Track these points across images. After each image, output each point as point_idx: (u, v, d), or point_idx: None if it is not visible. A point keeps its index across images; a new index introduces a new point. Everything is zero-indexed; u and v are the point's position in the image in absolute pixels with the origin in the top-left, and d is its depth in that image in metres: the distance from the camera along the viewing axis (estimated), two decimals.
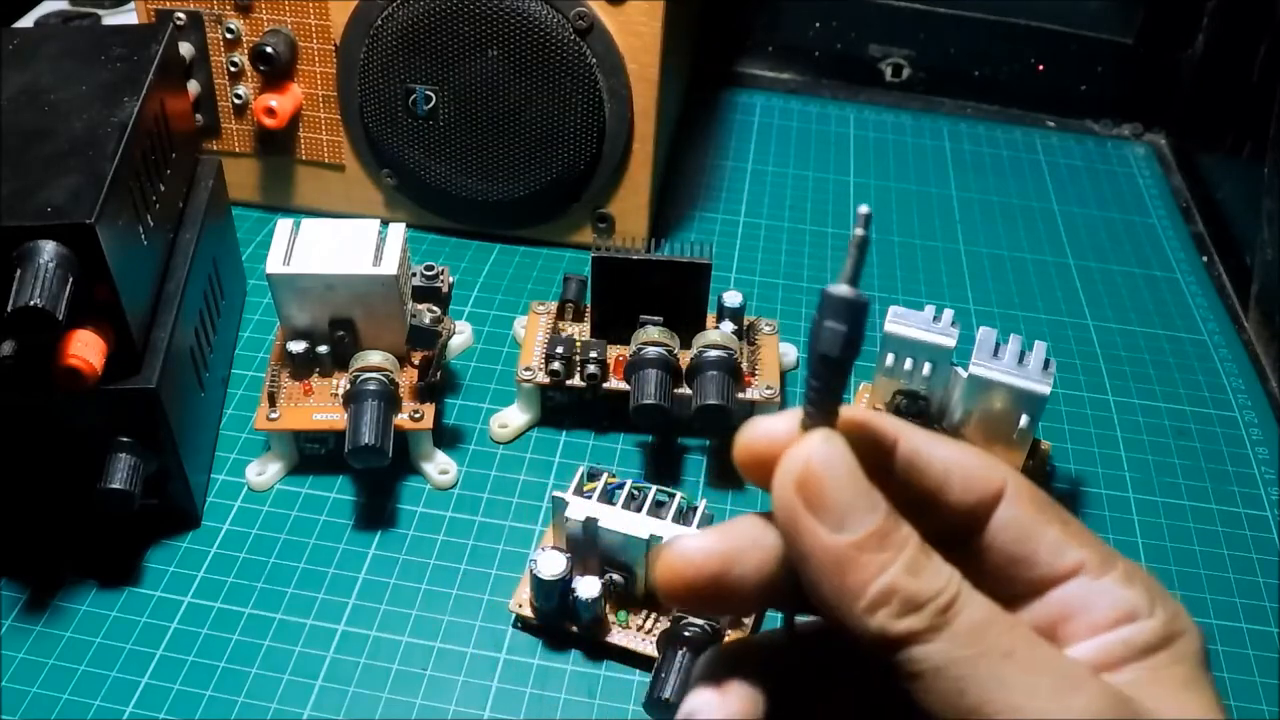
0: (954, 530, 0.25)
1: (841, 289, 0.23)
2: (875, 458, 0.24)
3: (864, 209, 0.23)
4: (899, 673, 0.22)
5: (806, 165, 0.75)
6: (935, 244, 0.68)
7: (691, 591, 0.24)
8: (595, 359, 0.50)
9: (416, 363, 0.49)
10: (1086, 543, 0.25)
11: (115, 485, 0.41)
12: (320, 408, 0.48)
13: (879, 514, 0.22)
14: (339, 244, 0.48)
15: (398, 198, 0.64)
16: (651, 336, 0.49)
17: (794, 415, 0.24)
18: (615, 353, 0.51)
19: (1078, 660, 0.23)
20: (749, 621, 0.43)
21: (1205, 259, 0.70)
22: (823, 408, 0.23)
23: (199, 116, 0.61)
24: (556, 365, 0.50)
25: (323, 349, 0.49)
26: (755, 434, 0.24)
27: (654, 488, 0.43)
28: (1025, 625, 0.23)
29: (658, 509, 0.43)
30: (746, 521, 0.25)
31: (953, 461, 0.25)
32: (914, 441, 0.25)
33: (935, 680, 0.22)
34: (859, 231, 0.23)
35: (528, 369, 0.51)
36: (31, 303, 0.35)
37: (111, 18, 0.75)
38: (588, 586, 0.42)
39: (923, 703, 0.22)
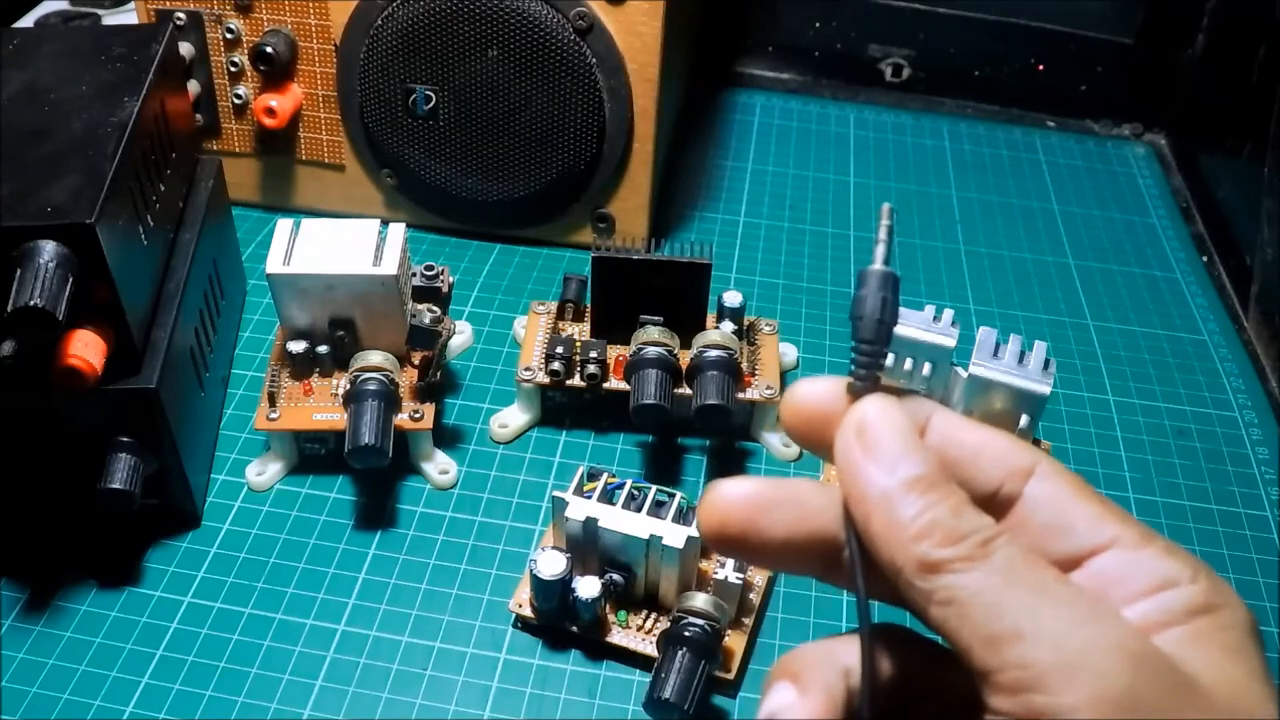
0: (989, 504, 0.26)
1: (879, 266, 0.26)
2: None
3: (886, 206, 0.27)
4: (934, 600, 0.23)
5: (806, 165, 0.75)
6: (935, 244, 0.68)
7: (723, 531, 0.26)
8: (595, 359, 0.50)
9: (416, 363, 0.49)
10: (1125, 521, 0.26)
11: (115, 485, 0.41)
12: (320, 408, 0.48)
13: (928, 465, 0.24)
14: (339, 244, 0.48)
15: (398, 198, 0.64)
16: (651, 336, 0.49)
17: (836, 379, 0.26)
18: (615, 353, 0.51)
19: (1105, 603, 0.24)
20: (749, 621, 0.43)
21: (1205, 259, 0.70)
22: (870, 373, 0.26)
23: (199, 116, 0.61)
24: (556, 365, 0.50)
25: (323, 349, 0.49)
26: (803, 395, 0.27)
27: (654, 488, 0.43)
28: (1058, 571, 0.24)
29: (658, 509, 0.43)
30: (794, 481, 0.27)
31: (984, 442, 0.26)
32: (947, 421, 0.27)
33: (969, 607, 0.23)
34: (886, 222, 0.26)
35: (528, 369, 0.51)
36: (31, 303, 0.35)
37: (111, 18, 0.75)
38: (588, 586, 0.42)
39: (955, 633, 0.23)
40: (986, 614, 0.23)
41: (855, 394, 0.26)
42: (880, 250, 0.26)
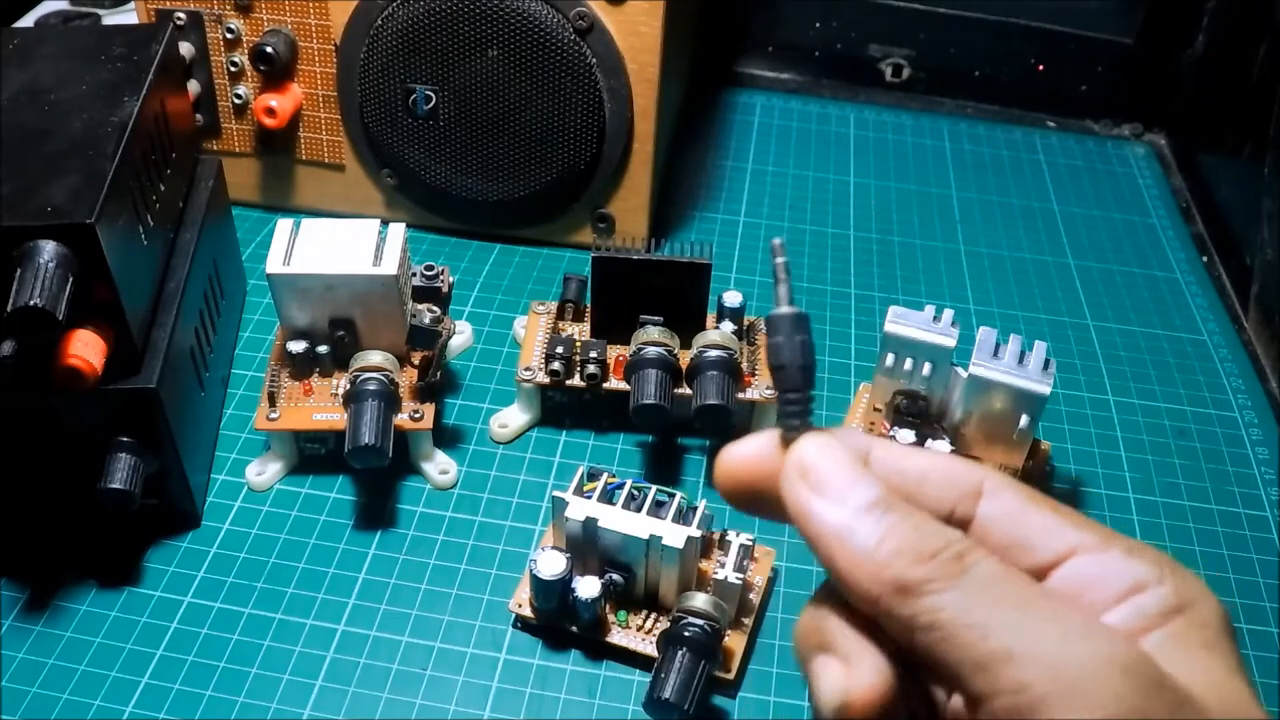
0: None
1: (788, 309, 0.26)
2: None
3: (777, 240, 0.26)
4: (918, 625, 0.22)
5: (806, 165, 0.75)
6: (935, 244, 0.68)
7: (735, 491, 0.26)
8: (595, 359, 0.50)
9: (416, 363, 0.49)
10: (1083, 525, 0.25)
11: (115, 485, 0.41)
12: (320, 408, 0.48)
13: (877, 488, 0.24)
14: (339, 244, 0.48)
15: (398, 198, 0.64)
16: (651, 336, 0.49)
17: (765, 435, 0.26)
18: (615, 353, 0.51)
19: (1090, 615, 0.23)
20: (749, 621, 0.43)
21: (1205, 259, 0.70)
22: (802, 421, 0.25)
23: (199, 116, 0.61)
24: (556, 365, 0.50)
25: (323, 349, 0.49)
26: (736, 457, 0.26)
27: (654, 488, 0.43)
28: (1038, 583, 0.23)
29: (658, 509, 0.43)
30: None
31: (928, 467, 0.26)
32: (887, 452, 0.26)
33: (954, 629, 0.22)
34: (780, 259, 0.26)
35: (528, 369, 0.51)
36: (31, 302, 0.35)
37: (111, 18, 0.75)
38: (588, 586, 0.42)
39: (943, 658, 0.22)
40: (973, 635, 0.22)
41: (789, 442, 0.25)
42: (783, 291, 0.26)
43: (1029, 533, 0.25)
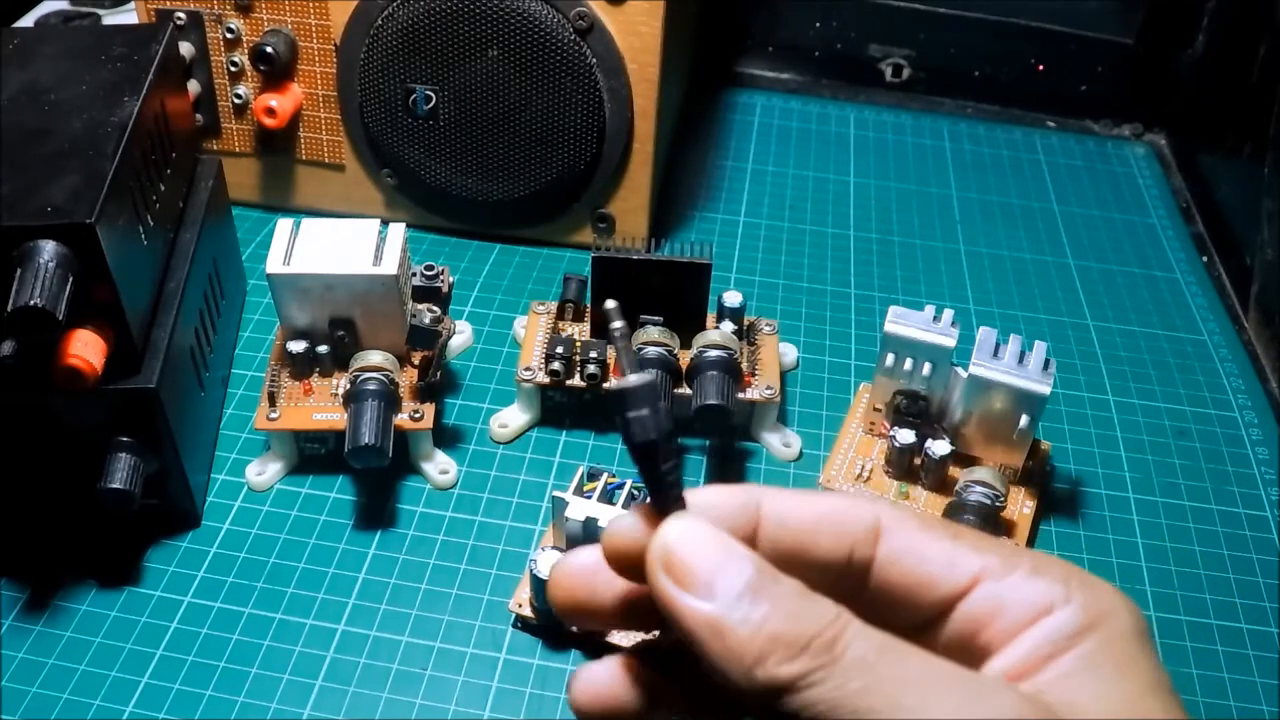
0: (844, 574, 0.25)
1: (629, 380, 0.23)
2: (739, 530, 0.24)
3: (610, 304, 0.25)
4: (801, 716, 0.21)
5: (806, 165, 0.75)
6: (935, 244, 0.68)
7: (564, 606, 0.26)
8: (595, 359, 0.50)
9: (416, 363, 0.49)
10: (984, 548, 0.24)
11: (115, 485, 0.41)
12: (320, 408, 0.48)
13: (749, 570, 0.22)
14: (339, 244, 0.48)
15: (398, 198, 0.64)
16: (651, 336, 0.49)
17: (632, 519, 0.24)
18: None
19: (983, 674, 0.23)
20: None
21: (1205, 259, 0.70)
22: (664, 497, 0.24)
23: (199, 116, 0.61)
24: (556, 365, 0.50)
25: (323, 349, 0.49)
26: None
27: None
28: (922, 650, 0.22)
29: None
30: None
31: (821, 512, 0.25)
32: (778, 501, 0.25)
33: (838, 716, 0.21)
34: (616, 324, 0.24)
35: (528, 369, 0.51)
36: (31, 302, 0.35)
37: (111, 18, 0.75)
38: None
39: None
40: None
41: (663, 518, 0.24)
42: (623, 360, 0.24)
43: (930, 567, 0.24)
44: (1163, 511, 0.51)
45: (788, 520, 0.25)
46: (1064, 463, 0.53)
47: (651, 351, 0.49)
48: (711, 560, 0.22)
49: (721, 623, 0.22)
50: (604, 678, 0.25)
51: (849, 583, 0.25)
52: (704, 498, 0.24)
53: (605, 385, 0.24)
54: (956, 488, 0.47)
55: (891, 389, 0.49)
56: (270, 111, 0.59)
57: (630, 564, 0.24)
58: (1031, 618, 0.23)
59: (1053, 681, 0.22)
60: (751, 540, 0.24)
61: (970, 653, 0.24)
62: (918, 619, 0.25)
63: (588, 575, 0.26)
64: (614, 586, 0.25)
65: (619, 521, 0.24)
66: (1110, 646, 0.23)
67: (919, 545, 0.24)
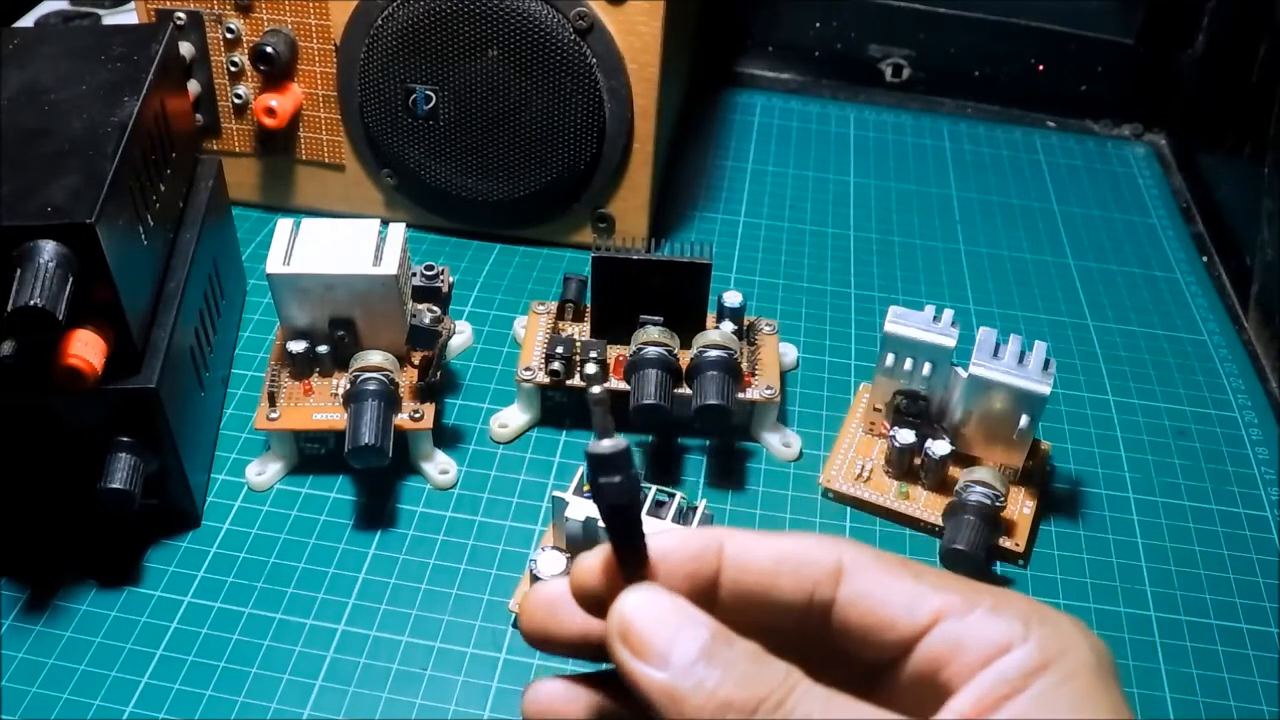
0: (806, 616, 0.25)
1: (602, 446, 0.24)
2: (700, 574, 0.25)
3: (592, 373, 0.25)
4: None
5: (806, 165, 0.75)
6: (935, 244, 0.68)
7: (527, 638, 0.27)
8: (595, 359, 0.50)
9: (416, 363, 0.49)
10: (945, 587, 0.25)
11: (115, 485, 0.41)
12: (320, 408, 0.48)
13: (703, 636, 0.23)
14: (339, 244, 0.48)
15: (398, 198, 0.64)
16: (651, 336, 0.49)
17: (595, 561, 0.25)
18: (615, 353, 0.51)
19: None
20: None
21: (1205, 259, 0.70)
22: (628, 553, 0.25)
23: (199, 116, 0.61)
24: (556, 365, 0.50)
25: (323, 349, 0.49)
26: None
27: (654, 488, 0.43)
28: (867, 705, 0.23)
29: (658, 509, 0.43)
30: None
31: (781, 554, 0.25)
32: (739, 544, 0.25)
33: None
34: (595, 390, 0.24)
35: (528, 369, 0.51)
36: (31, 302, 0.35)
37: (111, 18, 0.75)
38: None
39: None
40: None
41: (629, 584, 0.25)
42: (598, 425, 0.24)
43: (890, 609, 0.25)
44: (1163, 511, 0.51)
45: (749, 564, 0.25)
46: (1064, 463, 0.53)
47: (651, 351, 0.49)
48: (667, 629, 0.23)
49: (676, 690, 0.23)
50: (557, 695, 0.26)
51: (811, 623, 0.25)
52: (666, 544, 0.25)
53: (592, 389, 0.24)
54: (956, 488, 0.47)
55: (891, 389, 0.49)
56: (270, 111, 0.59)
57: (594, 602, 0.25)
58: (989, 656, 0.23)
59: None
60: (714, 584, 0.25)
61: (933, 690, 0.24)
62: (880, 657, 0.25)
63: (554, 606, 0.26)
64: (576, 620, 0.26)
65: (584, 561, 0.25)
66: (1067, 684, 0.23)
67: (879, 586, 0.25)
